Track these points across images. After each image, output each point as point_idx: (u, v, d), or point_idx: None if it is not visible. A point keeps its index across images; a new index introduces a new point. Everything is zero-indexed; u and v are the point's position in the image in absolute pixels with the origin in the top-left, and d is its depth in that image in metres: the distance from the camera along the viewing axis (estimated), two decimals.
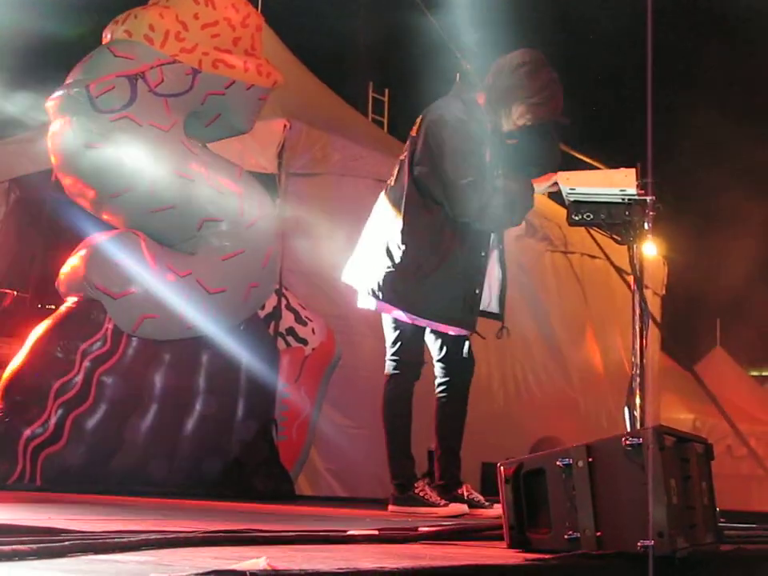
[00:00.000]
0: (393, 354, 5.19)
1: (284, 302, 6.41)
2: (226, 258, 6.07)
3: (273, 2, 8.60)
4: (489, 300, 5.30)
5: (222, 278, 6.06)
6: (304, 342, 6.43)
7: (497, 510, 4.97)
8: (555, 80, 5.16)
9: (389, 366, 5.21)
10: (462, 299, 5.08)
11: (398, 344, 5.17)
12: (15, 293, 7.32)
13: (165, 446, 5.92)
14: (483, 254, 5.18)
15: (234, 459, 6.12)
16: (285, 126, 7.43)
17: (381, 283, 5.06)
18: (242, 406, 6.16)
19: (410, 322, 5.10)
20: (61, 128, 5.94)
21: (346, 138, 8.05)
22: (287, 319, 6.40)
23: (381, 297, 5.07)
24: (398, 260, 5.03)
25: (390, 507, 5.13)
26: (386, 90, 12.10)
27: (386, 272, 5.05)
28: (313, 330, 6.48)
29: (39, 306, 7.34)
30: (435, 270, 5.02)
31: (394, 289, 5.04)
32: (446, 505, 5.04)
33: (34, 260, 8.25)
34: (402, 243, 5.04)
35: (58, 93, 5.99)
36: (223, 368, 6.10)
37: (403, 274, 5.02)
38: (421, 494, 5.06)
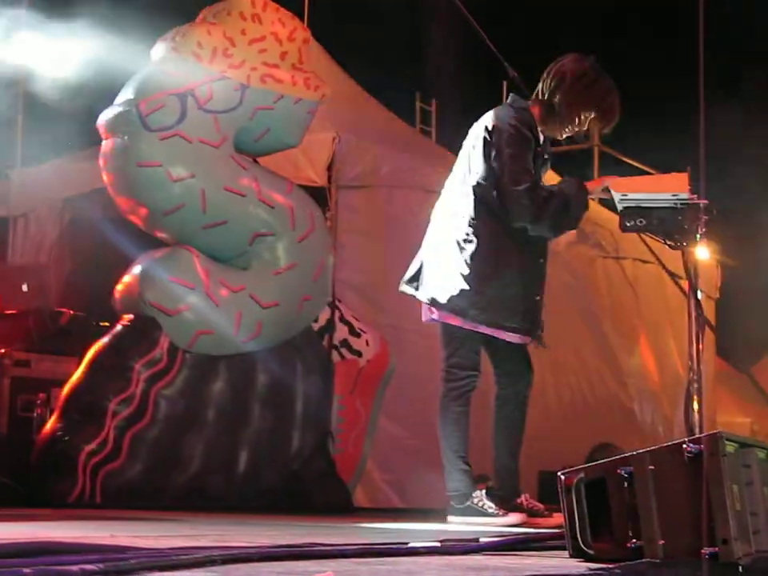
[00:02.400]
0: (448, 365, 5.18)
1: (337, 314, 6.42)
2: (278, 272, 6.10)
3: (319, 15, 8.63)
4: None
5: (274, 292, 6.08)
6: (358, 354, 6.43)
7: (556, 518, 4.94)
8: (613, 87, 5.17)
9: (444, 377, 5.19)
10: (522, 307, 5.07)
11: (454, 354, 5.16)
12: (71, 312, 7.37)
13: (222, 461, 5.95)
14: (542, 260, 5.18)
15: (291, 472, 6.13)
16: (334, 138, 7.45)
17: (440, 293, 5.07)
18: (298, 419, 6.17)
19: (468, 329, 5.08)
20: (112, 147, 6.00)
21: (395, 150, 8.06)
22: (341, 332, 6.40)
23: (440, 306, 5.08)
24: (456, 270, 5.04)
25: (449, 518, 5.11)
26: (434, 100, 12.10)
27: (446, 282, 5.06)
28: (367, 342, 6.49)
29: (95, 324, 7.39)
30: (493, 278, 5.02)
31: (453, 298, 5.04)
32: (504, 514, 5.02)
33: (89, 278, 8.31)
34: (460, 253, 5.05)
35: (109, 112, 6.05)
36: (278, 382, 6.12)
37: (462, 283, 5.02)
38: (479, 504, 5.04)
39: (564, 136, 5.25)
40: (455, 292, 5.04)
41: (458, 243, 5.07)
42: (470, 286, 5.02)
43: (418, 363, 7.65)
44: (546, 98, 5.16)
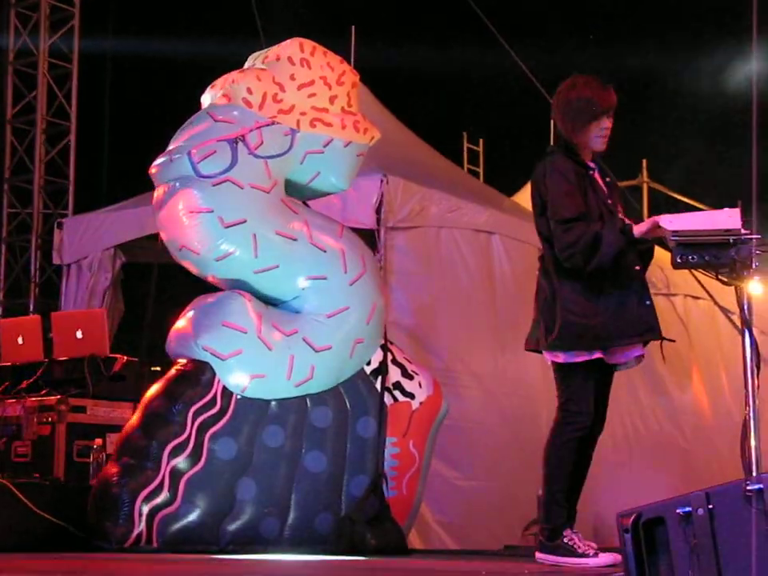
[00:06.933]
0: (563, 403, 5.16)
1: (390, 356, 6.42)
2: (331, 316, 6.11)
3: (365, 58, 8.71)
4: None
5: (327, 335, 6.10)
6: (411, 396, 6.42)
7: (603, 558, 4.91)
8: (590, 78, 5.23)
9: (558, 415, 5.16)
10: (632, 316, 5.07)
11: (568, 393, 5.14)
12: (125, 357, 7.44)
13: (276, 505, 5.94)
14: (638, 267, 5.16)
15: (345, 515, 6.12)
16: (382, 180, 7.49)
17: (558, 335, 5.07)
18: (351, 461, 6.17)
19: (586, 361, 5.06)
20: (164, 194, 6.06)
21: (443, 190, 8.09)
22: (394, 374, 6.39)
23: (561, 349, 5.08)
24: (562, 310, 5.05)
25: (538, 555, 5.05)
26: (481, 141, 12.16)
27: (559, 324, 5.06)
28: (420, 384, 6.47)
29: (149, 369, 7.45)
30: (599, 303, 5.02)
31: (568, 336, 5.04)
32: (596, 555, 4.95)
33: (142, 324, 8.39)
34: (560, 293, 5.07)
35: (161, 159, 6.12)
36: (331, 424, 6.12)
37: (574, 318, 5.02)
38: (570, 543, 4.97)
39: (602, 146, 5.28)
40: (571, 329, 5.03)
41: (552, 285, 5.11)
42: (579, 319, 5.02)
43: (469, 404, 7.65)
44: (560, 129, 5.26)
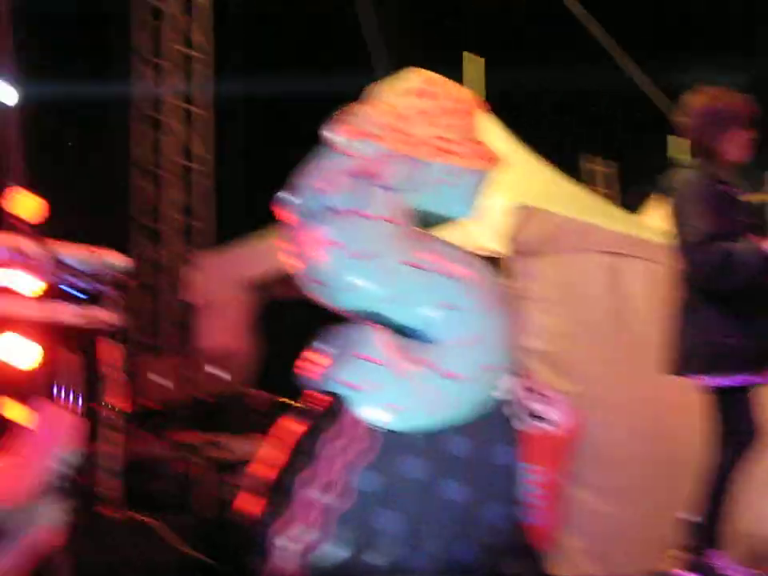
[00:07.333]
0: (723, 428, 5.06)
1: (523, 383, 6.37)
2: (461, 344, 6.08)
3: (489, 84, 8.70)
4: None
5: (459, 363, 6.06)
6: (548, 422, 6.35)
7: None
8: (726, 91, 5.12)
9: (722, 441, 5.07)
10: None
11: (726, 417, 5.06)
12: (259, 392, 7.53)
13: (416, 536, 5.92)
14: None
15: (484, 545, 6.07)
16: (510, 207, 7.45)
17: (697, 358, 5.00)
18: (488, 490, 6.12)
19: (739, 385, 4.98)
20: (293, 228, 6.11)
21: (574, 214, 8.01)
22: (528, 400, 6.34)
23: (703, 371, 5.01)
24: (702, 332, 4.98)
25: (677, 572, 4.97)
26: (608, 161, 12.05)
27: (698, 346, 4.99)
28: (555, 410, 6.39)
29: (283, 403, 7.52)
30: (737, 324, 4.94)
31: (715, 354, 4.97)
32: None
33: (277, 359, 8.47)
34: (698, 314, 4.99)
35: (289, 195, 6.18)
36: (468, 453, 6.08)
37: (713, 339, 4.95)
38: (718, 564, 4.89)
39: (738, 157, 5.17)
40: (711, 352, 4.96)
41: (690, 306, 5.04)
42: (718, 339, 4.94)
43: (607, 430, 7.53)
44: (697, 146, 5.16)
